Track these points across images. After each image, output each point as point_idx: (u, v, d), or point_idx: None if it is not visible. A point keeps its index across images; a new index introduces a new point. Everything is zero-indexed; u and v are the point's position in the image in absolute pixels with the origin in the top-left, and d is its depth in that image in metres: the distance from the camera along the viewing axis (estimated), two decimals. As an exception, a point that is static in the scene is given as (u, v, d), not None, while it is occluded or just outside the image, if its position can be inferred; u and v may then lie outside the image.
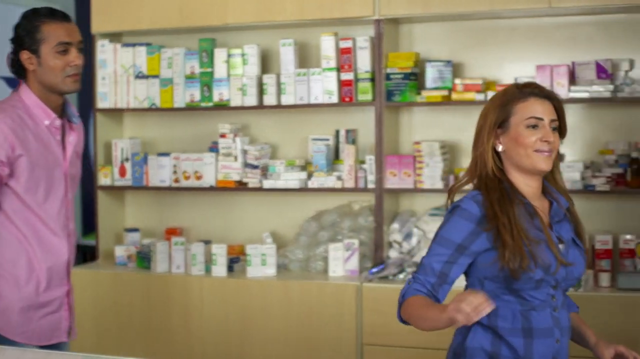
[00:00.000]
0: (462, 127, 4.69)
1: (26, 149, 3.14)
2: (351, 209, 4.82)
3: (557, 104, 2.70)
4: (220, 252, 4.72)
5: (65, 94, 3.28)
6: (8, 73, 4.82)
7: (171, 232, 5.11)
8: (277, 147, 5.05)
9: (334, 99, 4.65)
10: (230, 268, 4.80)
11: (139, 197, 5.32)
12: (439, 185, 4.52)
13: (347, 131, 4.82)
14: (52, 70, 3.21)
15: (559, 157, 2.78)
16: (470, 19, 4.65)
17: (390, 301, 4.23)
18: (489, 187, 2.63)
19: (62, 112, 3.32)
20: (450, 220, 2.63)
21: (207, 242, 4.90)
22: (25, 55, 3.22)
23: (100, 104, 5.13)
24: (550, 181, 2.74)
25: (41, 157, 3.20)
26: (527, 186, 2.67)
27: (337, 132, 4.84)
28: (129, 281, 4.86)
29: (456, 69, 4.68)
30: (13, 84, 5.70)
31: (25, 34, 3.21)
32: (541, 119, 2.64)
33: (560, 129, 2.70)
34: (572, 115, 4.52)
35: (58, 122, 3.27)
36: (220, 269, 4.73)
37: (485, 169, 2.67)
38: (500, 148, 2.68)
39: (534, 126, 2.65)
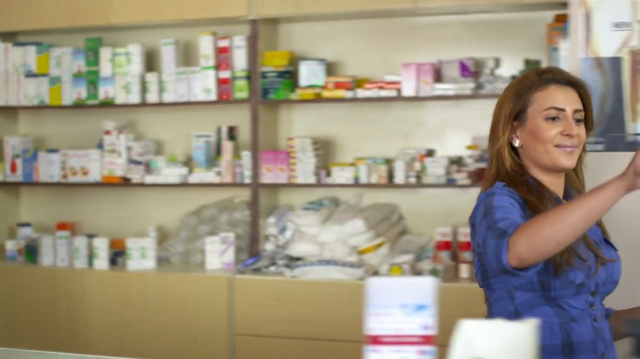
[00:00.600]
0: (336, 124, 4.66)
1: None
2: (230, 204, 4.76)
3: (583, 92, 2.29)
4: (101, 246, 4.66)
5: None
6: None
7: (62, 226, 5.01)
8: (164, 144, 4.99)
9: (212, 96, 4.60)
10: (113, 261, 4.73)
11: (33, 192, 5.24)
12: (312, 180, 4.47)
13: (229, 128, 4.75)
14: None
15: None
16: (344, 19, 4.61)
17: (262, 292, 4.23)
18: (515, 182, 2.25)
19: None
20: (494, 199, 2.18)
21: (92, 236, 4.80)
22: None
23: (-7, 101, 5.04)
24: (569, 178, 2.35)
25: None
26: (552, 184, 2.28)
27: (219, 129, 4.77)
28: (16, 274, 4.79)
29: (332, 67, 4.63)
30: None
31: None
32: (562, 109, 2.24)
33: (587, 120, 2.31)
34: (440, 112, 4.50)
35: None
36: (101, 262, 4.66)
37: (504, 167, 2.27)
38: (517, 143, 2.28)
39: (554, 118, 2.24)
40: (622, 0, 2.68)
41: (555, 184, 2.29)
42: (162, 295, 4.47)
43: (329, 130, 4.69)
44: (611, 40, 2.71)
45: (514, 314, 2.17)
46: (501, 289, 2.23)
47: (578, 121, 2.26)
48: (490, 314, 2.31)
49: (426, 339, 1.76)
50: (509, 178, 2.25)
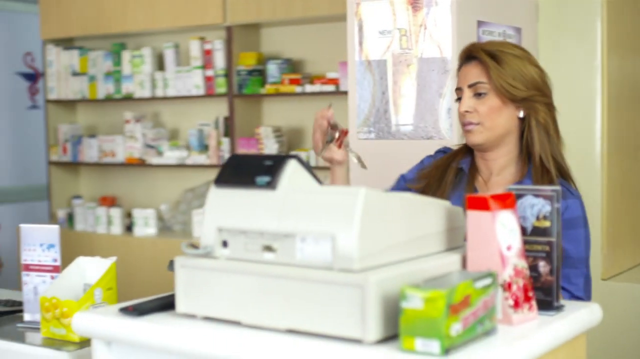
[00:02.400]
0: (294, 114, 5.16)
1: None
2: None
3: (483, 60, 2.14)
4: (116, 215, 5.45)
5: None
6: (25, 69, 5.93)
7: (105, 199, 5.85)
8: (179, 131, 5.70)
9: (202, 91, 5.26)
10: (129, 228, 5.50)
11: (86, 170, 6.11)
12: (275, 163, 5.01)
13: (225, 118, 5.39)
14: None
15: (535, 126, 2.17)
16: (309, 23, 5.10)
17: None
18: (454, 151, 2.32)
19: None
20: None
21: (112, 207, 5.61)
22: None
23: (50, 96, 5.95)
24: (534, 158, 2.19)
25: None
26: (483, 161, 2.25)
27: (217, 118, 5.43)
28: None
29: (296, 65, 5.16)
30: (30, 78, 6.69)
31: None
32: (460, 88, 2.18)
33: (501, 89, 2.12)
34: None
35: None
36: (116, 228, 5.46)
37: None
38: None
39: (459, 99, 2.18)
40: (385, 11, 3.10)
41: (485, 161, 2.24)
42: (157, 256, 5.19)
43: (298, 119, 5.23)
44: (378, 46, 3.14)
45: None
46: None
47: (479, 94, 2.14)
48: None
49: (55, 269, 2.37)
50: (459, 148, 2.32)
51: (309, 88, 4.90)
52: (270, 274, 1.64)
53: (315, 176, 1.75)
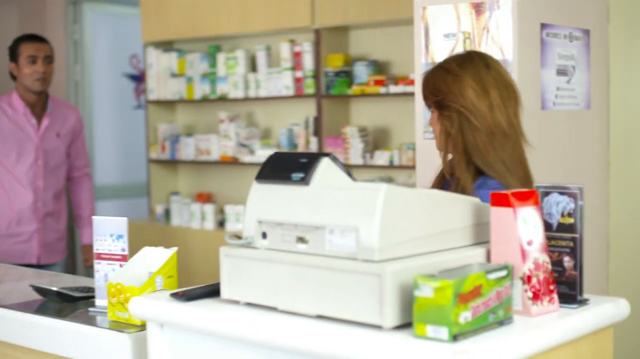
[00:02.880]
0: (379, 114, 5.28)
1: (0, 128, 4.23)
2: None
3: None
4: (208, 211, 5.69)
5: (37, 93, 4.25)
6: (132, 71, 6.30)
7: (201, 196, 6.11)
8: (272, 131, 5.91)
9: (291, 92, 5.45)
10: (221, 223, 5.74)
11: (184, 168, 6.39)
12: (360, 161, 5.16)
13: (314, 118, 5.57)
14: (24, 75, 4.27)
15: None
16: (392, 25, 5.22)
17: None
18: None
19: (43, 104, 4.33)
20: None
21: (208, 203, 5.86)
22: (12, 66, 4.28)
23: (150, 96, 6.25)
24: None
25: (12, 134, 4.29)
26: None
27: (307, 118, 5.60)
28: (157, 230, 5.94)
29: (382, 67, 5.28)
30: (136, 79, 7.04)
31: (11, 51, 4.29)
32: None
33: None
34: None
35: (28, 111, 4.30)
36: (209, 223, 5.70)
37: None
38: None
39: None
40: (450, 15, 3.20)
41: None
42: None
43: (382, 119, 5.36)
44: (443, 48, 3.24)
45: None
46: None
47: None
48: None
49: (123, 257, 2.56)
50: None
51: (392, 89, 5.01)
52: (303, 264, 1.77)
53: (347, 172, 1.88)
